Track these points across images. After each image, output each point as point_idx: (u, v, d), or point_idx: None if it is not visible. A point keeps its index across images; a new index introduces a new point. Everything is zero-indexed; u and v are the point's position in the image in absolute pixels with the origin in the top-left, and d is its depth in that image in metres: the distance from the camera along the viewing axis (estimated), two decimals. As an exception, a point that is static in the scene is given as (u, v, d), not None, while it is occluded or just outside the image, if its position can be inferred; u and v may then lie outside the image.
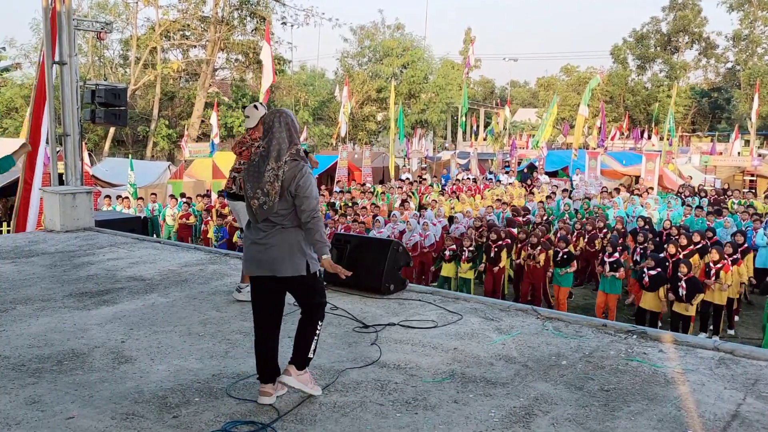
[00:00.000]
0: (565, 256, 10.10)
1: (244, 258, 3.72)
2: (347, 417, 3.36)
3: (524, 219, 13.83)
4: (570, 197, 17.24)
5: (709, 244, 10.41)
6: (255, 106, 5.73)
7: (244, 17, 33.14)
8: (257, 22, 32.70)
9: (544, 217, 13.55)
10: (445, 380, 3.86)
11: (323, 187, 20.49)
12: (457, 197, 17.16)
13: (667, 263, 9.47)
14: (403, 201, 15.63)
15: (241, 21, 33.21)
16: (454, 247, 11.15)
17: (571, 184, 21.04)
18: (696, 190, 19.46)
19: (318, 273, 3.63)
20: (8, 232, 11.54)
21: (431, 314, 5.22)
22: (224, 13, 31.98)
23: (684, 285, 8.72)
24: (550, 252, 10.26)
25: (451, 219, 13.84)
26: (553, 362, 4.16)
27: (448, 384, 3.80)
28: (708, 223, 12.64)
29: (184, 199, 15.27)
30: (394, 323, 4.94)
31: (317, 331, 3.64)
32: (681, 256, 9.73)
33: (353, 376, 3.90)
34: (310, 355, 3.60)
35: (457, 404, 3.52)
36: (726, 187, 21.87)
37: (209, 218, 14.00)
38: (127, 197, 15.73)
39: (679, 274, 8.86)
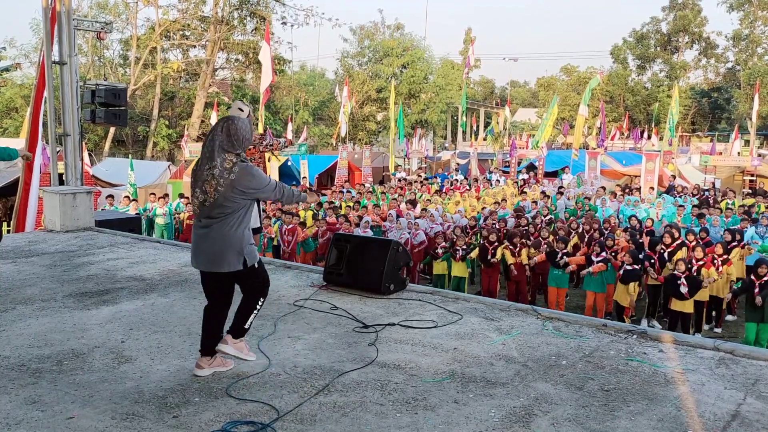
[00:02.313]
0: (564, 257, 10.09)
1: (192, 250, 3.89)
2: (347, 417, 3.36)
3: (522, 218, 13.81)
4: (566, 197, 17.28)
5: (683, 241, 10.47)
6: (240, 108, 5.68)
7: (244, 17, 33.17)
8: (257, 22, 32.72)
9: (547, 217, 13.54)
10: (445, 380, 3.86)
11: (330, 188, 20.47)
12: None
13: (652, 261, 9.65)
14: (410, 201, 15.64)
15: (241, 21, 33.24)
16: (445, 245, 11.16)
17: (560, 184, 21.08)
18: (681, 189, 19.53)
19: (255, 266, 3.84)
20: (8, 232, 11.56)
21: (431, 314, 5.22)
22: (224, 13, 32.00)
23: (684, 282, 8.79)
24: (526, 251, 10.32)
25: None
26: (553, 362, 4.16)
27: (448, 384, 3.80)
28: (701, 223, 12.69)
29: (183, 200, 15.27)
30: (394, 323, 4.94)
31: (258, 306, 3.93)
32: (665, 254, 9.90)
33: (353, 376, 3.90)
34: (246, 326, 3.94)
35: (457, 404, 3.52)
36: (710, 186, 21.87)
37: None
38: (130, 197, 15.74)
39: (676, 272, 8.94)
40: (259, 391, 3.68)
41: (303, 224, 12.39)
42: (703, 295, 9.24)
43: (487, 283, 10.76)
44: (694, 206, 14.90)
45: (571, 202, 16.74)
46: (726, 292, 9.56)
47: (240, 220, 3.70)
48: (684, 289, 8.79)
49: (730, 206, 15.05)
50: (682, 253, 10.03)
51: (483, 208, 15.02)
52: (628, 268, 9.27)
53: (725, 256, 9.70)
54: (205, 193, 3.59)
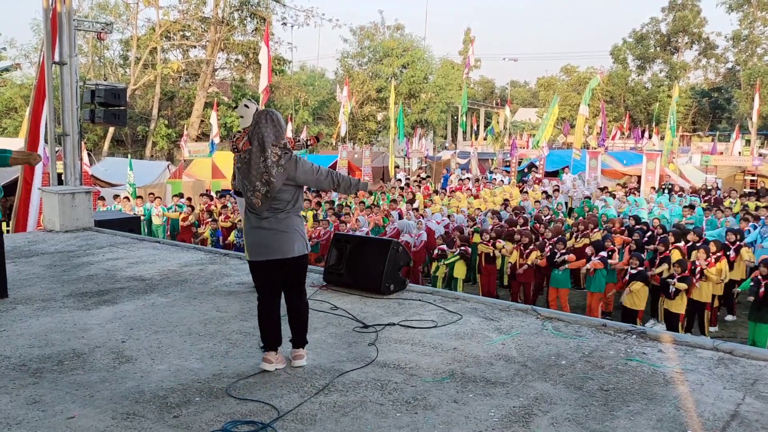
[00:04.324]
0: (563, 257, 10.10)
1: (251, 244, 3.94)
2: (347, 417, 3.37)
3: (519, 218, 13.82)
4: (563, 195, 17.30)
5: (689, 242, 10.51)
6: (246, 105, 5.73)
7: (244, 18, 33.17)
8: (257, 22, 32.72)
9: (548, 217, 13.55)
10: (445, 380, 3.86)
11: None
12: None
13: (655, 261, 9.63)
14: (410, 200, 15.66)
15: (242, 21, 33.25)
16: (443, 246, 11.16)
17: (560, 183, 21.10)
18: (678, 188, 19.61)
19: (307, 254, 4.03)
20: (8, 232, 11.59)
21: (431, 314, 5.22)
22: (224, 13, 32.00)
23: (676, 282, 8.83)
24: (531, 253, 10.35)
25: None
26: (552, 362, 4.16)
27: (448, 384, 3.81)
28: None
29: (183, 200, 15.28)
30: (394, 323, 4.95)
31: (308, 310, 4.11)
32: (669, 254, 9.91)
33: (353, 376, 3.91)
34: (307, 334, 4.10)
35: (457, 404, 3.53)
36: (713, 186, 21.90)
37: (208, 219, 14.04)
38: (126, 197, 15.73)
39: (672, 272, 8.98)
40: (260, 390, 3.68)
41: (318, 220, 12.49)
42: (705, 296, 9.24)
43: (486, 283, 10.77)
44: (688, 206, 14.93)
45: (561, 202, 16.77)
46: (719, 291, 9.58)
47: (296, 207, 3.94)
48: (672, 288, 8.85)
49: (728, 206, 15.07)
50: (678, 255, 10.04)
51: (477, 209, 15.03)
52: (633, 272, 9.25)
53: (718, 254, 9.70)
54: (266, 184, 3.77)
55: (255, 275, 4.04)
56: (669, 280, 8.98)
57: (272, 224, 3.85)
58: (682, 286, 8.78)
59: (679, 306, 8.88)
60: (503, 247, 10.80)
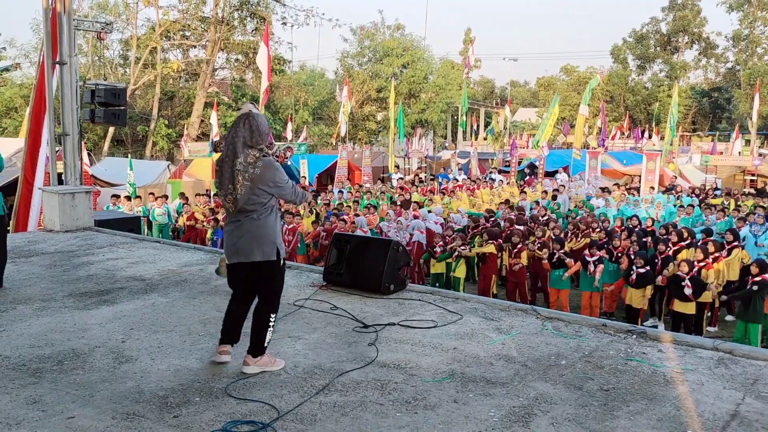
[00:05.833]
0: (561, 258, 10.09)
1: (225, 247, 3.99)
2: (347, 417, 3.37)
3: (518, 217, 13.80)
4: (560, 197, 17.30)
5: (692, 242, 10.48)
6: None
7: (244, 17, 33.13)
8: (257, 22, 32.69)
9: (544, 217, 13.55)
10: (445, 380, 3.86)
11: (331, 185, 20.46)
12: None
13: (656, 261, 9.57)
14: (406, 201, 15.62)
15: (242, 21, 33.21)
16: (442, 244, 11.17)
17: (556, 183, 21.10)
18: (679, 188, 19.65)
19: (283, 262, 3.95)
20: (8, 231, 11.58)
21: (431, 314, 5.22)
22: (224, 13, 31.97)
23: (689, 284, 8.72)
24: (525, 252, 10.35)
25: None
26: (552, 362, 4.17)
27: (448, 384, 3.81)
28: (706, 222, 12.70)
29: (183, 200, 15.26)
30: (394, 323, 4.95)
31: (270, 324, 3.95)
32: (670, 254, 9.82)
33: (353, 376, 3.91)
34: (266, 344, 3.95)
35: (457, 404, 3.53)
36: (712, 186, 21.95)
37: (210, 218, 14.02)
38: (127, 197, 15.72)
39: (680, 273, 8.89)
40: (260, 390, 3.68)
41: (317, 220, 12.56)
42: (705, 297, 9.22)
43: (483, 281, 10.78)
44: (689, 205, 14.97)
45: (560, 202, 16.77)
46: (718, 290, 9.56)
47: (270, 211, 3.86)
48: (688, 291, 8.70)
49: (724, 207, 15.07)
50: (686, 254, 10.01)
51: (467, 208, 15.01)
52: (641, 270, 9.22)
53: (717, 254, 9.67)
54: (234, 189, 3.72)
55: (228, 277, 4.07)
56: (683, 284, 8.81)
57: (242, 227, 3.82)
58: (689, 291, 8.71)
59: (689, 307, 8.82)
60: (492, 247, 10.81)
